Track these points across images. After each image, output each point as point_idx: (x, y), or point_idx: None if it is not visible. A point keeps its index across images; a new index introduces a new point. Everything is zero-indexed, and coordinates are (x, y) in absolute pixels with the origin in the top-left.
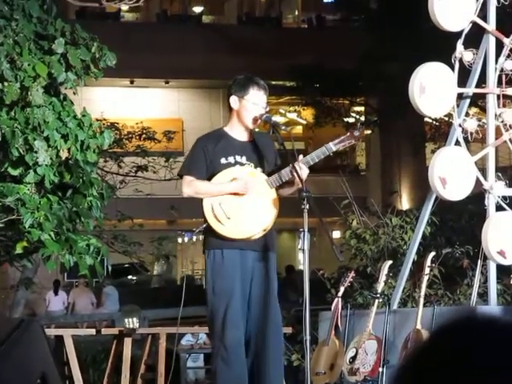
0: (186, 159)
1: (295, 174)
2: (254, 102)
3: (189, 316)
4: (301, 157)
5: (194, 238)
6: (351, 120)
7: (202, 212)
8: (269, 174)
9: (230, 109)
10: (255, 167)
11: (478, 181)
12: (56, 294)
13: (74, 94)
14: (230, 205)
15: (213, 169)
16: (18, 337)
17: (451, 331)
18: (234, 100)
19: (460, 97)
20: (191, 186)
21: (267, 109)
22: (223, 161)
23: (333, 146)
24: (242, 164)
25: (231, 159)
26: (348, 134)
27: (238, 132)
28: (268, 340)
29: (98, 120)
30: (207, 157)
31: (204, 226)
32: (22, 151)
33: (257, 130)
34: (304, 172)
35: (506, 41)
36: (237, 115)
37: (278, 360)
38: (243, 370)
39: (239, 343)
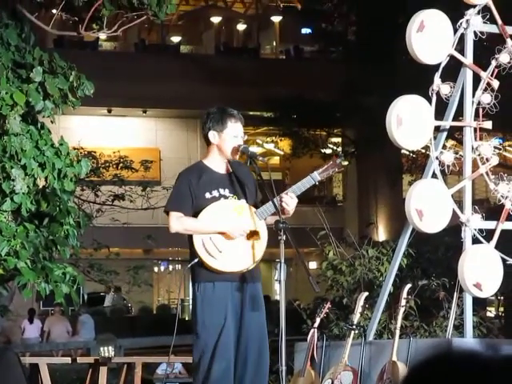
0: (171, 195)
1: (284, 204)
2: (233, 135)
3: (165, 345)
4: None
5: (170, 268)
6: (328, 151)
7: (191, 247)
8: (253, 205)
9: (208, 143)
10: (238, 199)
11: (454, 213)
12: (31, 322)
13: (52, 122)
14: (220, 239)
15: (198, 203)
16: None
17: (429, 367)
18: (213, 135)
19: (437, 129)
20: (181, 224)
21: (245, 138)
22: (208, 195)
23: (318, 175)
24: (225, 197)
25: (215, 193)
26: (331, 162)
27: (218, 165)
28: (252, 369)
29: (75, 149)
30: (192, 191)
31: (196, 260)
32: None
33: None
34: (294, 201)
35: (483, 74)
36: (217, 149)
37: None
38: None
39: (227, 374)
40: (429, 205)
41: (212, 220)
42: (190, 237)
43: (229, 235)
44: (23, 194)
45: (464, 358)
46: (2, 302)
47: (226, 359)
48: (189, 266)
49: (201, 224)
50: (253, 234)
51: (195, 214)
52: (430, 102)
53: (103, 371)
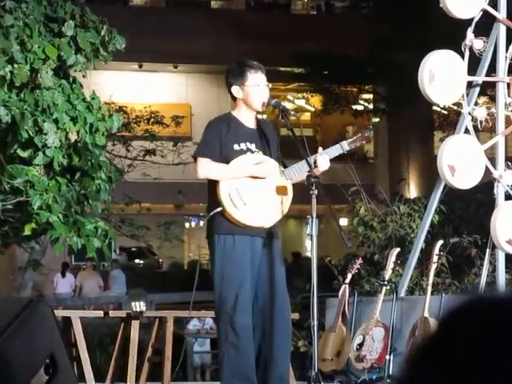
0: (200, 141)
1: (318, 163)
2: (255, 85)
3: (195, 301)
4: (320, 149)
5: (201, 223)
6: (359, 107)
7: (213, 196)
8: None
9: (234, 98)
10: (264, 155)
11: (487, 170)
12: (63, 276)
13: (84, 76)
14: (247, 191)
15: (226, 154)
16: (27, 316)
17: (459, 316)
18: (236, 90)
19: (470, 85)
20: (208, 168)
21: (270, 85)
22: (236, 147)
23: (347, 145)
24: (252, 151)
25: (243, 146)
26: (359, 134)
27: (246, 118)
28: (276, 326)
29: (106, 103)
30: (221, 140)
31: (219, 209)
32: (31, 133)
33: (260, 117)
34: (327, 164)
35: None
36: (244, 103)
37: (286, 346)
38: (252, 355)
39: (249, 329)
40: (461, 160)
41: (239, 167)
42: (213, 187)
43: (256, 187)
44: (55, 147)
45: (494, 305)
46: (35, 256)
47: (248, 313)
48: (211, 213)
49: (228, 169)
50: (281, 190)
51: None
52: (463, 58)
53: (135, 325)
